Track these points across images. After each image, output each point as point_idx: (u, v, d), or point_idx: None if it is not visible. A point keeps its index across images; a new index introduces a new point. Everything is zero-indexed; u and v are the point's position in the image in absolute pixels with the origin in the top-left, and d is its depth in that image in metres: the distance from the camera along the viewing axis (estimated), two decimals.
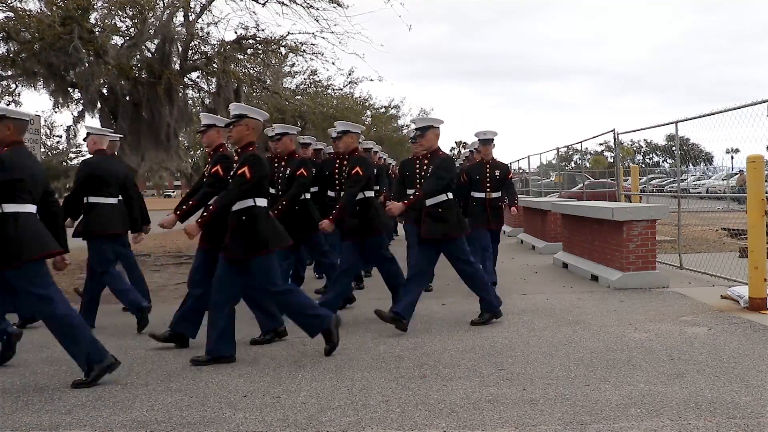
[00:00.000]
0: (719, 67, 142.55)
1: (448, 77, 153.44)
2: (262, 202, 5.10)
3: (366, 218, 6.41)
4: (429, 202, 6.05)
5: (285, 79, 19.03)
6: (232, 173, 5.14)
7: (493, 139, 8.23)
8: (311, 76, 21.06)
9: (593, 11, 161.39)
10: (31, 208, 4.60)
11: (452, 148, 74.44)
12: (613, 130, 11.21)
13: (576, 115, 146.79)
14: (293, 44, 13.50)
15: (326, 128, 9.63)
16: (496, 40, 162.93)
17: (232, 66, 13.37)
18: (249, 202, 5.01)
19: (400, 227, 11.01)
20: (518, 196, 9.10)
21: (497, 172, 8.24)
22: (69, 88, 12.32)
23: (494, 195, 8.20)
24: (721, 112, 7.98)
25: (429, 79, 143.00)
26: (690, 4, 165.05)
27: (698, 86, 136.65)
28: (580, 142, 15.26)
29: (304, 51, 13.69)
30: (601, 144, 68.44)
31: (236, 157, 5.29)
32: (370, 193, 6.52)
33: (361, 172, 6.28)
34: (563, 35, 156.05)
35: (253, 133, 5.22)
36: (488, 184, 8.18)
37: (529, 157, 20.86)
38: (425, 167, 6.41)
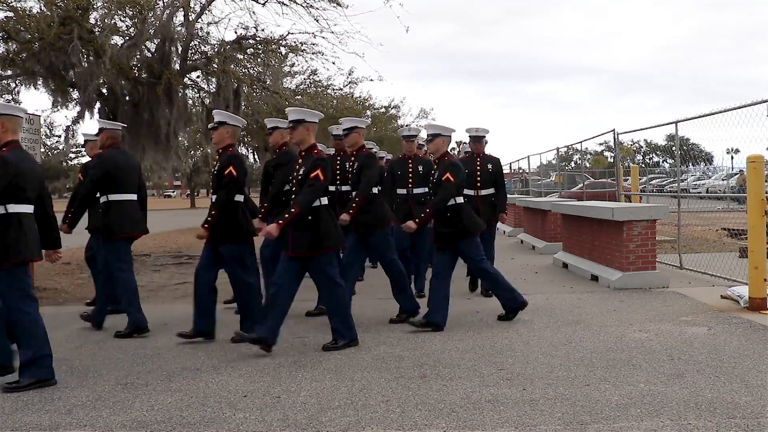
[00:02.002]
0: (724, 67, 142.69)
1: (450, 77, 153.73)
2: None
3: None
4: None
5: (285, 79, 18.99)
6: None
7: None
8: (311, 76, 21.05)
9: (597, 11, 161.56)
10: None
11: (452, 149, 74.37)
12: (613, 130, 11.22)
13: (579, 115, 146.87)
14: (293, 44, 13.49)
15: (326, 127, 9.59)
16: (500, 40, 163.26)
17: (232, 66, 13.36)
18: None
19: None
20: (518, 196, 8.90)
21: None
22: (68, 88, 12.31)
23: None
24: (721, 112, 7.98)
25: (432, 79, 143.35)
26: (695, 3, 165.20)
27: (703, 86, 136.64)
28: (580, 142, 15.26)
29: (304, 51, 13.69)
30: (601, 144, 68.45)
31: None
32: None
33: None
34: (567, 35, 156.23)
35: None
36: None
37: (529, 157, 20.80)
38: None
